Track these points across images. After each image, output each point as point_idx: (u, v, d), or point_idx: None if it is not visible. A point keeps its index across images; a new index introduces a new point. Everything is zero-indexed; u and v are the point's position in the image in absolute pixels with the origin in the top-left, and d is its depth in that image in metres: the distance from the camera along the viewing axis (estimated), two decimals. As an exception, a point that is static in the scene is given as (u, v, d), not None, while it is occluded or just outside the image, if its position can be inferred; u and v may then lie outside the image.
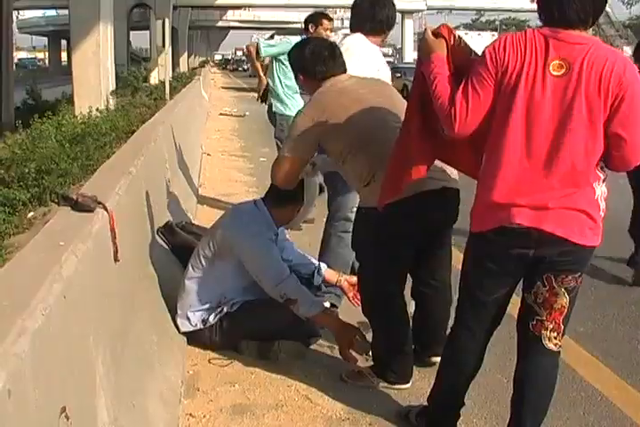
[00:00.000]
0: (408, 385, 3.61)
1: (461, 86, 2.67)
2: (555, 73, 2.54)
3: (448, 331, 3.16)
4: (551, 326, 2.77)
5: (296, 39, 6.93)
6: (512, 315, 4.30)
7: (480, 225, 2.76)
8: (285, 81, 6.89)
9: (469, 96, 2.64)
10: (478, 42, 37.72)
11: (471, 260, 2.89)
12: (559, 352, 2.84)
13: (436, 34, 2.83)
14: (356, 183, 3.51)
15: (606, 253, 4.77)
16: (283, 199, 3.90)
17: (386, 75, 4.45)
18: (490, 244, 2.75)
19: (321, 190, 5.28)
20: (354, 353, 3.57)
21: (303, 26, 6.90)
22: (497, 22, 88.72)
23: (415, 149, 2.98)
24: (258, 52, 6.87)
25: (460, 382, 3.06)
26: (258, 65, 7.11)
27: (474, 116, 2.66)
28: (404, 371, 3.62)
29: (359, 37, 4.51)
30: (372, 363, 3.69)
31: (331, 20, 6.85)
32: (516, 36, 2.62)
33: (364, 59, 4.34)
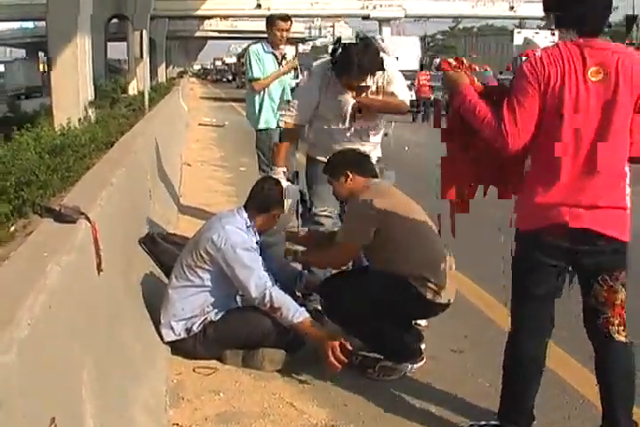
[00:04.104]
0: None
1: (505, 104, 2.85)
2: (593, 79, 2.74)
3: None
4: (617, 321, 2.92)
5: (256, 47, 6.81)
6: (492, 319, 4.31)
7: (529, 224, 2.92)
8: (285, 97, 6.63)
9: (516, 110, 2.82)
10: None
11: (522, 258, 3.01)
12: (628, 341, 2.97)
13: (452, 66, 3.09)
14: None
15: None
16: (263, 206, 3.93)
17: None
18: (540, 242, 2.90)
19: (302, 199, 5.26)
20: (337, 361, 3.57)
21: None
22: (475, 29, 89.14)
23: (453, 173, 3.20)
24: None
25: (525, 387, 3.12)
26: None
27: (523, 128, 2.83)
28: (417, 346, 3.91)
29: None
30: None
31: (287, 20, 6.69)
32: (549, 50, 2.81)
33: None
